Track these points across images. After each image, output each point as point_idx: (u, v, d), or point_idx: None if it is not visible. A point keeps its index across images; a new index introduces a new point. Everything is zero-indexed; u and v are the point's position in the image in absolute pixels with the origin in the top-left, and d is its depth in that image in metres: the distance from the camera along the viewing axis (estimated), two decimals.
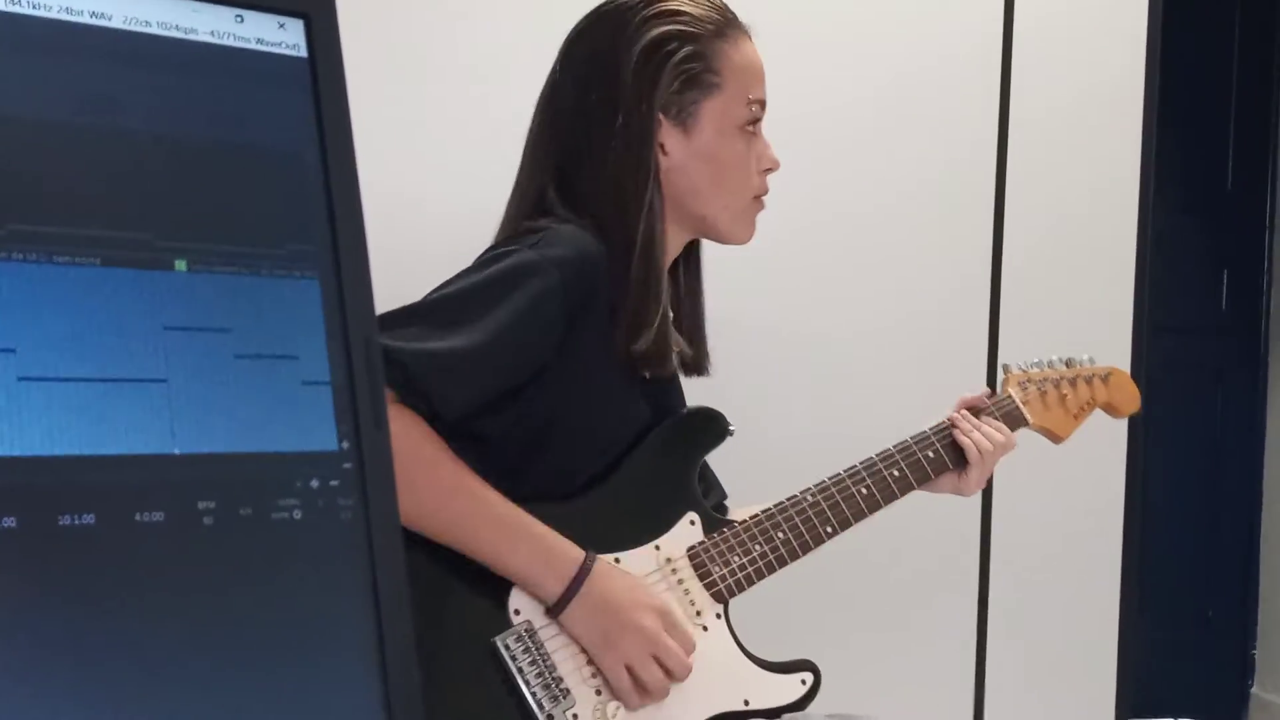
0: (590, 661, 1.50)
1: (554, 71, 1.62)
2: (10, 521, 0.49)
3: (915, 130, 2.47)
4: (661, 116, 1.56)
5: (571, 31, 1.62)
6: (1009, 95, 2.48)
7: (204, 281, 0.55)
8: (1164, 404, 3.92)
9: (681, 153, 1.58)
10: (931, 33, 2.46)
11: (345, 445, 0.57)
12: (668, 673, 1.50)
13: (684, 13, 1.58)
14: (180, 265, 0.54)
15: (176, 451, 0.53)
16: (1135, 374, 2.54)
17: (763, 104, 1.61)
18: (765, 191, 1.64)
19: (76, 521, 0.50)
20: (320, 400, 0.57)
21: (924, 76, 2.46)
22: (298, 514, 0.55)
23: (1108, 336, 2.53)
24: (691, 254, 1.70)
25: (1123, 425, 2.51)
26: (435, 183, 2.26)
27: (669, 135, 1.57)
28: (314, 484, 0.56)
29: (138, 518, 0.52)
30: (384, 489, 0.58)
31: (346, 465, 0.57)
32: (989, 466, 1.68)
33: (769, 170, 1.63)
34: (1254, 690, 4.42)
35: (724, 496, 1.72)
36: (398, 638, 0.56)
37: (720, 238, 1.66)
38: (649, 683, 1.49)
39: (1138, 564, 2.59)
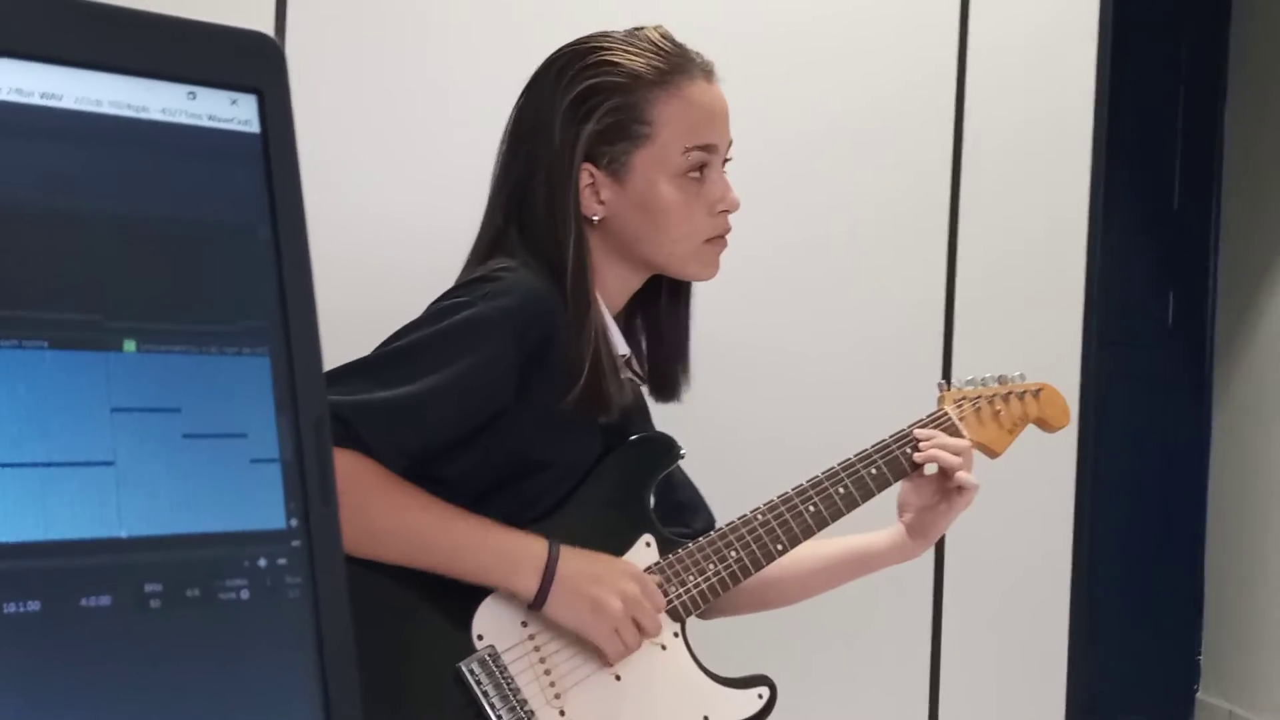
0: (554, 684, 1.51)
1: (512, 111, 1.65)
2: None
3: (872, 155, 2.49)
4: (593, 167, 1.57)
5: (532, 75, 1.64)
6: (962, 120, 2.51)
7: (154, 361, 0.55)
8: (1113, 416, 3.96)
9: (617, 202, 1.59)
10: (887, 61, 2.48)
11: (294, 523, 0.57)
12: (643, 631, 1.53)
13: (619, 64, 1.58)
14: (130, 346, 0.54)
15: (123, 535, 0.53)
16: (1084, 387, 2.58)
17: (708, 148, 1.60)
18: (723, 231, 1.64)
19: (21, 609, 0.50)
20: (269, 478, 0.57)
21: (880, 103, 2.48)
22: (245, 594, 0.55)
23: (1058, 351, 2.56)
24: (677, 286, 1.71)
25: (1072, 437, 2.54)
26: (416, 200, 2.26)
27: (603, 185, 1.59)
28: (261, 563, 0.56)
29: (83, 603, 0.52)
30: (332, 567, 0.58)
31: (295, 543, 0.57)
32: (963, 475, 1.69)
33: (726, 211, 1.63)
34: (1199, 695, 4.48)
35: (711, 520, 1.74)
36: (344, 716, 0.56)
37: (678, 277, 1.68)
38: (630, 644, 1.52)
39: (1087, 572, 2.62)
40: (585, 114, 1.57)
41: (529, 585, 1.49)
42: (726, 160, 1.65)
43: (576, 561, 1.51)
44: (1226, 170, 4.41)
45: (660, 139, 1.59)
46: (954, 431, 1.75)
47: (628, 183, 1.59)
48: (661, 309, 1.71)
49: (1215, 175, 4.41)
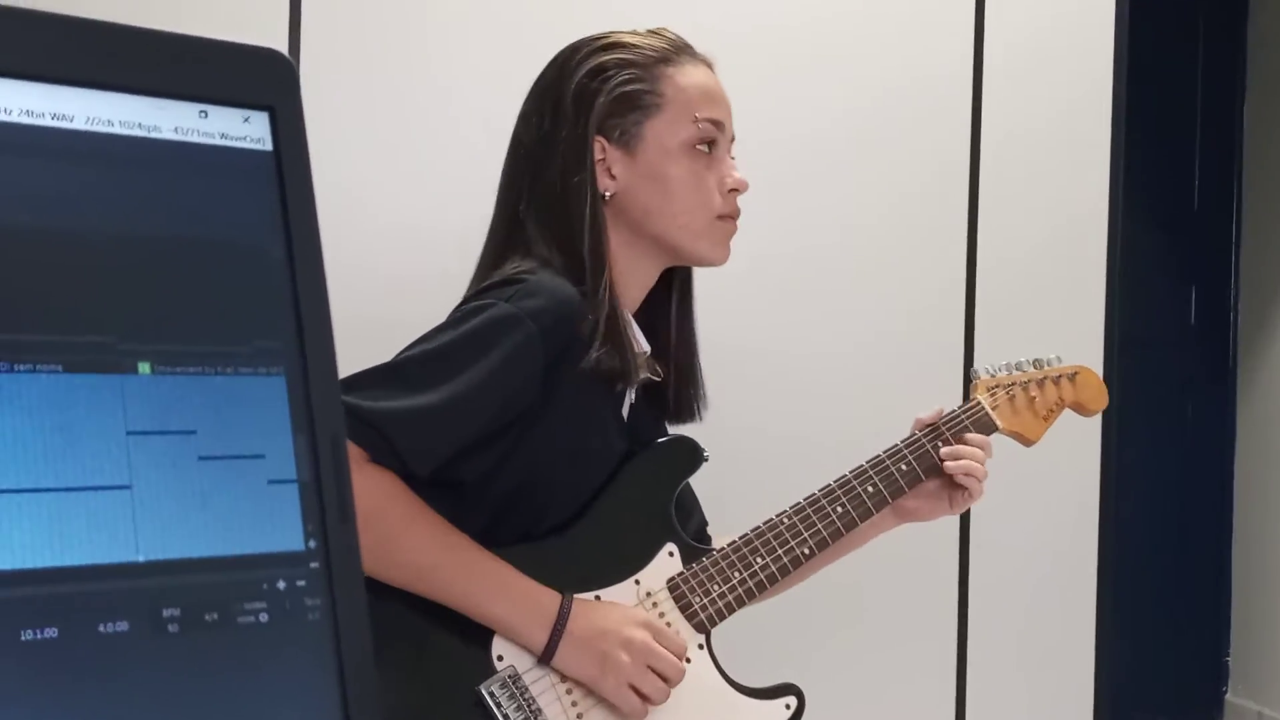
0: (575, 704, 1.50)
1: (517, 119, 1.65)
2: None
3: (889, 154, 2.48)
4: (604, 140, 1.58)
5: (545, 66, 1.65)
6: (980, 118, 2.49)
7: (168, 383, 0.54)
8: (1136, 415, 3.93)
9: (628, 175, 1.59)
10: (905, 54, 2.47)
11: (312, 544, 0.57)
12: (664, 679, 1.51)
13: (629, 44, 1.60)
14: (144, 368, 0.54)
15: (140, 559, 0.52)
16: (1107, 385, 2.56)
17: (716, 124, 1.61)
18: (733, 212, 1.63)
19: (39, 636, 0.50)
20: (287, 499, 0.56)
21: (898, 98, 2.47)
22: (264, 617, 0.55)
23: (1080, 349, 2.54)
24: (683, 291, 1.70)
25: (1097, 435, 2.52)
26: (429, 209, 2.26)
27: (614, 159, 1.59)
28: (280, 585, 0.55)
29: (101, 629, 0.51)
30: (351, 587, 0.57)
31: (314, 564, 0.56)
32: (980, 483, 1.69)
33: (735, 191, 1.62)
34: (1228, 696, 4.45)
35: (704, 523, 1.72)
36: None
37: (690, 260, 1.66)
38: (651, 694, 1.50)
39: (1112, 572, 2.60)
40: (597, 88, 1.58)
41: (539, 638, 1.49)
42: (732, 157, 1.65)
43: (588, 617, 1.50)
44: (1246, 166, 4.39)
45: (671, 108, 1.60)
46: (986, 421, 1.73)
47: (639, 154, 1.59)
48: (674, 317, 1.70)
49: (1235, 171, 4.38)
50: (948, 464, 1.67)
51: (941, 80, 2.50)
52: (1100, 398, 1.83)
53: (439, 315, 1.57)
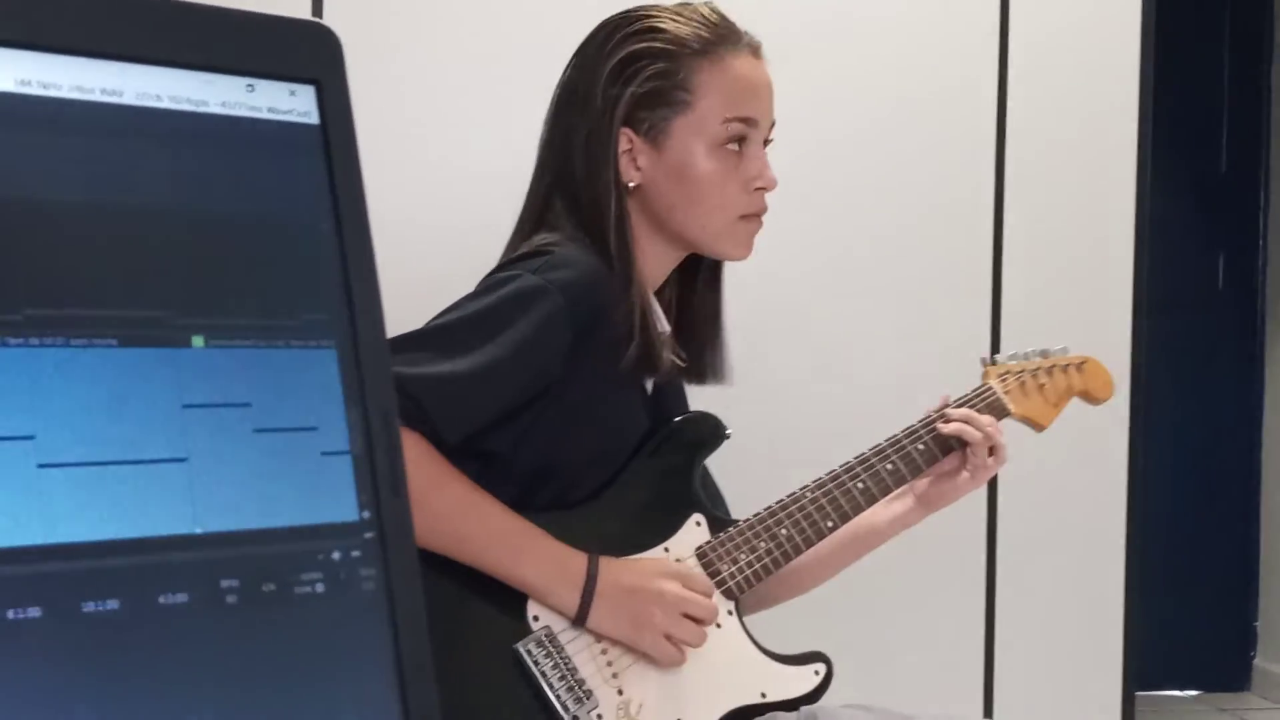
0: (611, 663, 1.51)
1: (557, 86, 1.65)
2: (35, 612, 0.49)
3: (915, 120, 2.47)
4: (631, 133, 1.57)
5: (580, 42, 1.64)
6: (1006, 85, 2.48)
7: (222, 356, 0.55)
8: (1164, 381, 3.92)
9: (654, 169, 1.59)
10: (930, 23, 2.46)
11: (366, 515, 0.57)
12: (699, 622, 1.53)
13: (665, 30, 1.58)
14: (198, 341, 0.54)
15: (198, 531, 0.53)
16: (1135, 352, 2.56)
17: (748, 121, 1.59)
18: (759, 209, 1.62)
19: (100, 608, 0.50)
20: (340, 470, 0.57)
21: (923, 68, 2.46)
22: (320, 587, 0.55)
23: (1107, 318, 2.54)
24: (709, 267, 1.70)
25: (1124, 403, 2.52)
26: (456, 187, 2.26)
27: (640, 151, 1.59)
28: (335, 556, 0.56)
29: (161, 600, 0.52)
30: (405, 557, 0.57)
31: (368, 535, 0.57)
32: (983, 452, 1.68)
33: (762, 189, 1.61)
34: (1256, 661, 4.45)
35: (726, 510, 1.73)
36: (421, 706, 0.56)
37: (711, 255, 1.67)
38: (688, 639, 1.52)
39: (1140, 539, 2.60)
40: (627, 78, 1.57)
41: (570, 600, 1.50)
42: (768, 141, 1.64)
43: (616, 574, 1.51)
44: (1274, 131, 4.36)
45: (700, 107, 1.58)
46: (999, 405, 1.73)
47: (665, 150, 1.59)
48: (700, 292, 1.70)
49: (1263, 136, 4.35)
50: (945, 427, 1.67)
51: (969, 42, 2.49)
52: (1107, 388, 1.84)
53: (467, 287, 1.57)
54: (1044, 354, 1.80)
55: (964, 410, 1.70)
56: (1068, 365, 1.80)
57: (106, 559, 0.51)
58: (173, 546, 0.52)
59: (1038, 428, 1.79)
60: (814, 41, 2.42)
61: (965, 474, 1.69)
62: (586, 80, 1.59)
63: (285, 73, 0.57)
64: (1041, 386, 1.78)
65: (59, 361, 0.51)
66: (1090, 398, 1.84)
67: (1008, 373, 1.77)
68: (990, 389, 1.75)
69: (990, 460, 1.68)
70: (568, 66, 1.64)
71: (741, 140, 1.59)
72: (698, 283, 1.70)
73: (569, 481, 1.57)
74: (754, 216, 1.62)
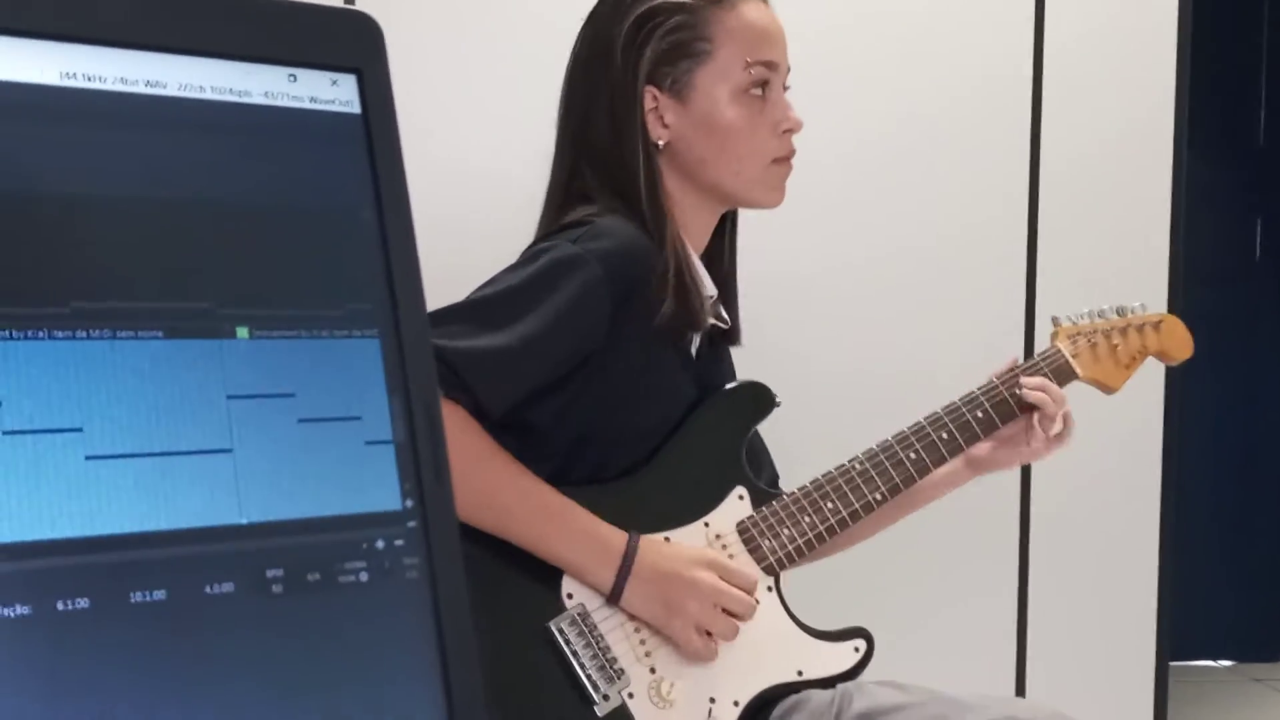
0: (644, 641, 1.51)
1: (570, 56, 1.64)
2: (84, 603, 0.49)
3: (953, 89, 2.45)
4: (655, 89, 1.57)
5: (591, 8, 1.63)
6: (1042, 54, 2.46)
7: (266, 347, 0.55)
8: (1200, 350, 3.89)
9: (681, 124, 1.58)
10: None
11: (409, 504, 0.57)
12: (735, 617, 1.52)
13: None
14: (242, 333, 0.54)
15: (244, 521, 0.53)
16: None
17: (769, 65, 1.59)
18: (788, 153, 1.62)
19: (148, 598, 0.51)
20: (383, 460, 0.57)
21: (961, 36, 2.44)
22: (364, 576, 0.56)
23: (1144, 289, 2.52)
24: (732, 223, 1.70)
25: (1160, 372, 2.50)
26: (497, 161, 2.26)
27: (667, 108, 1.58)
28: (380, 544, 0.56)
29: (208, 590, 0.52)
30: (448, 545, 0.58)
31: (411, 524, 0.57)
32: (1057, 422, 1.67)
33: (790, 131, 1.61)
34: None
35: (776, 476, 1.72)
36: (465, 693, 0.57)
37: (745, 204, 1.66)
38: (721, 632, 1.51)
39: (1175, 512, 2.59)
40: (645, 36, 1.57)
41: (606, 578, 1.49)
42: (786, 89, 1.64)
43: (654, 557, 1.50)
44: None
45: (721, 55, 1.58)
46: (1066, 368, 1.71)
47: (691, 102, 1.58)
48: (724, 253, 1.70)
49: None
50: (1026, 392, 1.66)
51: (1003, 16, 2.47)
52: (1185, 346, 1.80)
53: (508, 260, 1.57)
54: (1120, 311, 1.76)
55: (1039, 379, 1.68)
56: (1144, 324, 1.77)
57: (153, 550, 0.51)
58: (219, 537, 0.53)
59: (1107, 390, 1.75)
60: (854, 32, 2.40)
61: (1035, 443, 1.68)
62: (603, 45, 1.59)
63: (327, 62, 0.57)
64: (1114, 348, 1.74)
65: (105, 354, 0.51)
66: (1167, 357, 1.80)
67: (1078, 333, 1.74)
68: (1059, 352, 1.72)
69: (1064, 431, 1.67)
70: (580, 36, 1.63)
71: (764, 85, 1.59)
72: (723, 244, 1.70)
73: (610, 453, 1.56)
74: (784, 160, 1.62)
